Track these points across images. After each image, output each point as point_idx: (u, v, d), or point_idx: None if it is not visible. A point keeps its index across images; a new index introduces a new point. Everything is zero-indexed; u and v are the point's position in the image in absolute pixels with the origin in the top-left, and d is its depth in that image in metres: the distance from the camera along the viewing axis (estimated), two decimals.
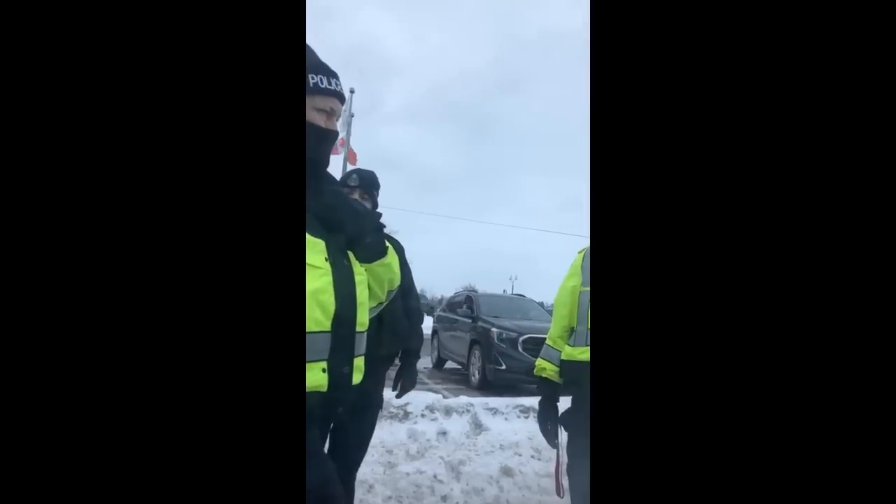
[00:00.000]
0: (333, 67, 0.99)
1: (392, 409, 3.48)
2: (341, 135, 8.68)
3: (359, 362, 0.94)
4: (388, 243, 1.05)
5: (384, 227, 1.88)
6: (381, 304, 1.09)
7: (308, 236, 0.86)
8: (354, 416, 1.81)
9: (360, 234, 0.97)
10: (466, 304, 7.70)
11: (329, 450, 1.87)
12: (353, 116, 8.90)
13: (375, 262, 1.00)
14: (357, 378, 0.93)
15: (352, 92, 9.05)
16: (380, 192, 1.94)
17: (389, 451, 3.12)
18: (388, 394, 2.14)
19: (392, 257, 1.05)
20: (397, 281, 1.09)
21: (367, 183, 1.88)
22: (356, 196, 1.85)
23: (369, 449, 1.95)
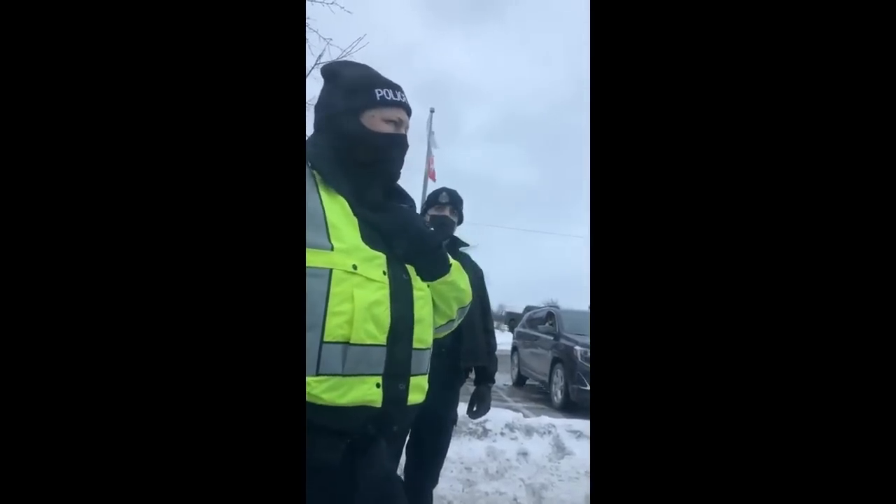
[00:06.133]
0: (417, 95, 1.01)
1: (470, 426, 3.46)
2: (424, 152, 8.88)
3: (419, 381, 0.92)
4: (453, 260, 1.04)
5: (449, 240, 1.91)
6: (451, 321, 1.07)
7: (367, 249, 0.88)
8: (430, 432, 1.82)
9: (422, 253, 0.97)
10: (548, 321, 7.47)
11: (406, 466, 1.90)
12: (433, 135, 9.07)
13: (438, 280, 0.99)
14: (417, 397, 0.91)
15: (432, 111, 9.23)
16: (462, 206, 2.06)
17: (468, 469, 3.09)
18: (464, 409, 2.14)
19: (458, 274, 1.03)
20: (467, 298, 1.07)
21: (455, 199, 1.99)
22: (446, 213, 1.96)
23: (447, 464, 1.95)
